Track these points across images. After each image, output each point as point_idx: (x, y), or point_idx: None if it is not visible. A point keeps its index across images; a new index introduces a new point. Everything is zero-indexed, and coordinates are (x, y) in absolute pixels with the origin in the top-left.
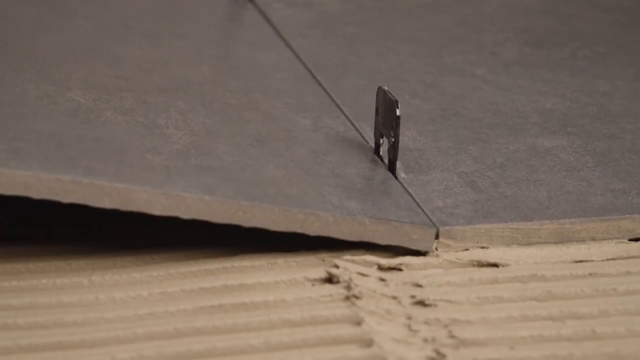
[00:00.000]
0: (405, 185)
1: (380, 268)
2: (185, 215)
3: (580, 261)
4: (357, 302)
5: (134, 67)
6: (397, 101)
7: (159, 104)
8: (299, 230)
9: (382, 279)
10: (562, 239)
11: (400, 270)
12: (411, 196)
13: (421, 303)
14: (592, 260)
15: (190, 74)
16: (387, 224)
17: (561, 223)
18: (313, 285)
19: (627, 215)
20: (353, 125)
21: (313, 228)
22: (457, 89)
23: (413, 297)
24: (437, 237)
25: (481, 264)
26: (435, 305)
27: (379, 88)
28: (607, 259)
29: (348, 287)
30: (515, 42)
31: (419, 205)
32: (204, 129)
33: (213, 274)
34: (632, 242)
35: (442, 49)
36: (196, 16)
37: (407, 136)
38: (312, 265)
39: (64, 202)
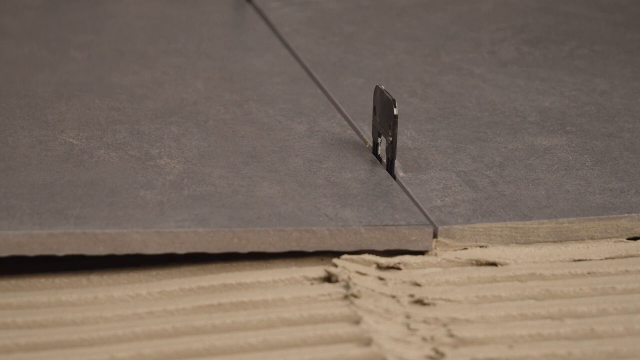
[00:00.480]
0: (404, 184)
1: (379, 267)
2: (180, 250)
3: (579, 260)
4: (356, 301)
5: (127, 95)
6: (394, 100)
7: (152, 132)
8: (295, 248)
9: (381, 278)
10: (561, 238)
11: (399, 269)
12: (409, 195)
13: (420, 302)
14: (590, 259)
15: (185, 93)
16: (383, 230)
17: (560, 222)
18: (312, 284)
19: (626, 214)
20: (350, 124)
21: (310, 244)
22: (455, 88)
23: (412, 296)
24: (435, 236)
25: (480, 263)
26: (434, 304)
27: (377, 87)
28: (606, 258)
29: (347, 286)
30: (513, 41)
31: (416, 205)
32: (198, 153)
33: (212, 273)
34: (631, 241)
35: (439, 48)
36: (191, 26)
37: (405, 135)
38: (311, 264)
39: (60, 255)
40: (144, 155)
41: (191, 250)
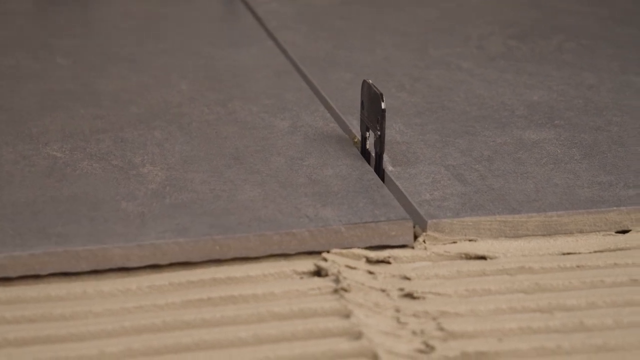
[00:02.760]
0: (393, 178)
1: (369, 261)
2: (163, 261)
3: (568, 253)
4: (346, 294)
5: (112, 102)
6: (382, 94)
7: (135, 140)
8: (277, 252)
9: (370, 272)
10: (550, 232)
11: (388, 263)
12: (399, 189)
13: (409, 295)
14: (579, 253)
15: (169, 96)
16: (363, 227)
17: (548, 215)
18: (301, 278)
19: (614, 208)
20: (336, 118)
21: (291, 246)
22: (443, 82)
23: (401, 289)
24: (424, 229)
25: (469, 257)
26: (424, 298)
27: (364, 81)
28: (595, 251)
29: (337, 280)
30: (501, 35)
31: (405, 199)
32: (181, 158)
33: (201, 267)
34: (620, 235)
35: (428, 42)
36: (180, 24)
37: (394, 129)
38: (300, 258)
39: (43, 274)
40: (127, 164)
41: (173, 260)
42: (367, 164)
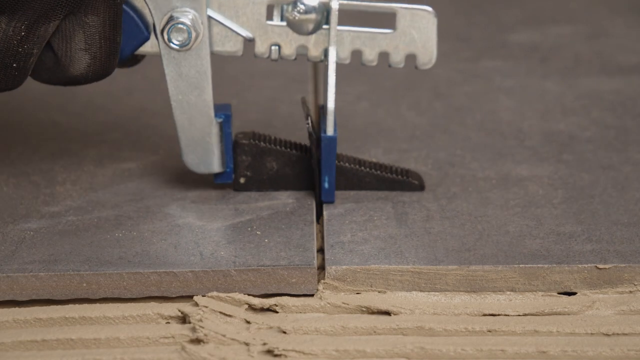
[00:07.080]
0: (325, 214)
1: (252, 308)
2: (21, 297)
3: (491, 315)
4: (193, 348)
5: (82, 108)
6: (309, 115)
7: (76, 153)
8: (155, 293)
9: (247, 321)
10: (475, 288)
11: (275, 312)
12: (322, 228)
13: (270, 353)
14: (506, 315)
15: (149, 103)
16: (256, 272)
17: (472, 270)
18: (168, 323)
19: (555, 265)
20: None
21: (172, 289)
22: (468, 101)
23: (265, 344)
24: (324, 277)
25: (370, 311)
26: (285, 356)
27: (302, 98)
28: (524, 314)
29: (193, 329)
30: (575, 48)
31: (320, 239)
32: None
33: (59, 303)
34: (564, 296)
35: (485, 52)
36: None
37: (368, 154)
38: (182, 301)
39: None
40: (46, 181)
41: (33, 297)
42: (312, 194)
